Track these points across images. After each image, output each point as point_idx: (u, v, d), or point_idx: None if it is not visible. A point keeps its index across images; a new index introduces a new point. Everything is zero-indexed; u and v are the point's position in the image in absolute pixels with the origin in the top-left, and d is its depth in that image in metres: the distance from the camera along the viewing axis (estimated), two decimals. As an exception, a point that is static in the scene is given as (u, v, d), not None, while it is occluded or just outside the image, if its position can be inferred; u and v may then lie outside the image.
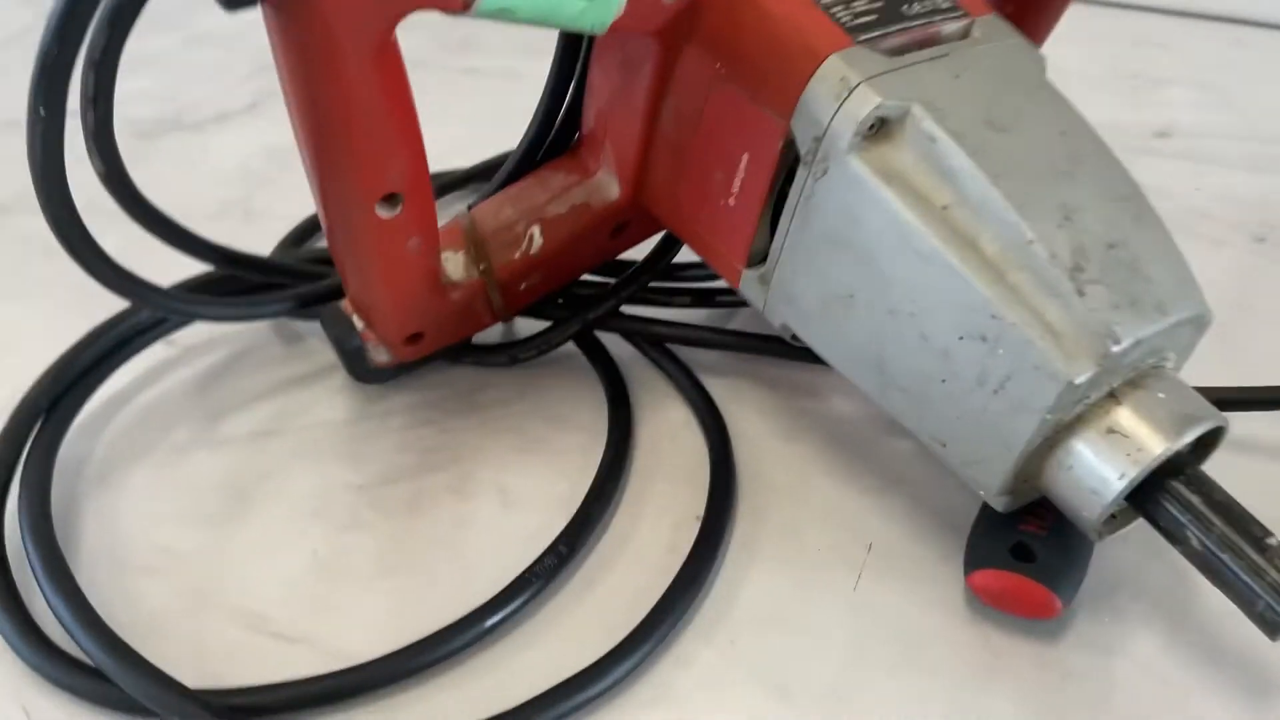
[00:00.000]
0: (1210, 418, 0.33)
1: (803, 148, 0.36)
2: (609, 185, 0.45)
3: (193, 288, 0.47)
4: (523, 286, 0.46)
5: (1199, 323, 0.34)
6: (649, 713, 0.35)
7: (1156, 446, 0.32)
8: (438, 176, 0.57)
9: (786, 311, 0.40)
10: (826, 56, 0.35)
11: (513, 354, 0.47)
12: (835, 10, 0.37)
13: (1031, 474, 0.35)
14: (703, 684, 0.36)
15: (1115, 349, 0.32)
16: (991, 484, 0.35)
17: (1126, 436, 0.33)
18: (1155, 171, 0.43)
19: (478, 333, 0.47)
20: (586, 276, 0.49)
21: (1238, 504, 0.33)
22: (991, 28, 0.38)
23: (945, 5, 0.38)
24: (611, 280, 0.49)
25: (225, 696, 0.34)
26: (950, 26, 0.38)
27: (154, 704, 0.33)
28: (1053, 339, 0.32)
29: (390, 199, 0.37)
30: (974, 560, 0.37)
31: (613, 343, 0.49)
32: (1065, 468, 0.34)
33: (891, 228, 0.34)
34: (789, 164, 0.37)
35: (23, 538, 0.38)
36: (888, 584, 0.39)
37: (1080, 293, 0.32)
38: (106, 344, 0.45)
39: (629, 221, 0.46)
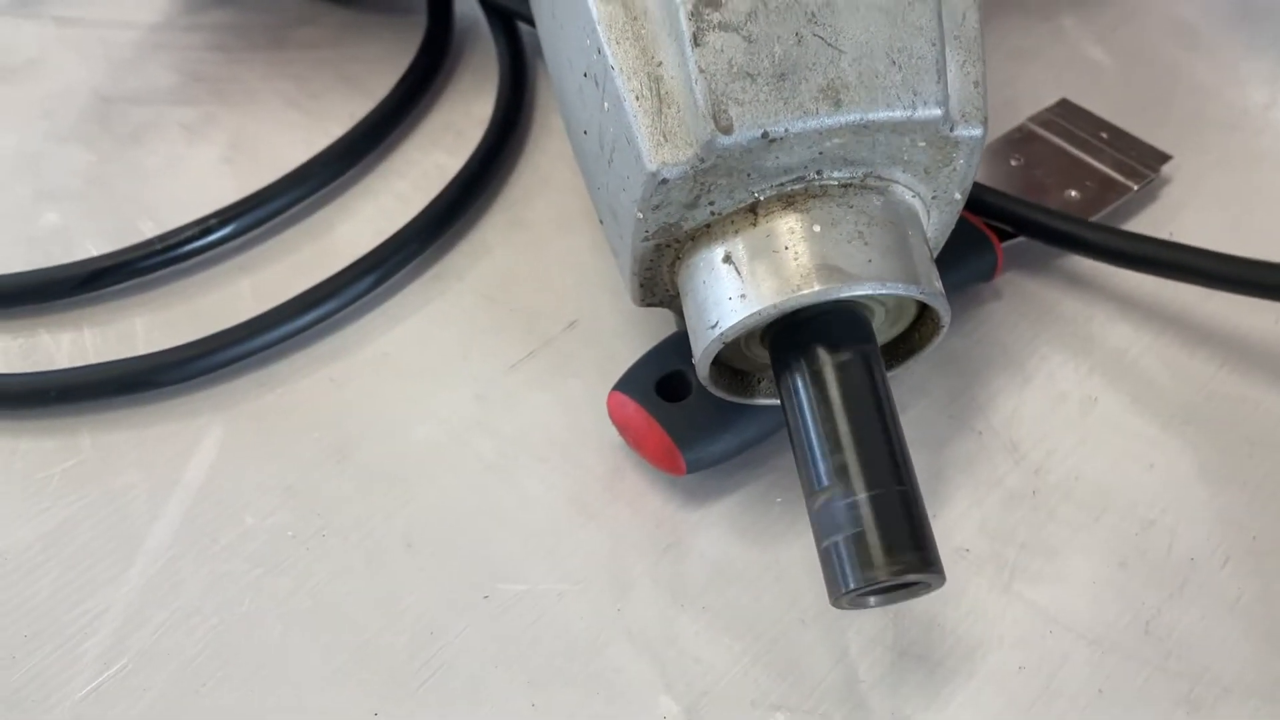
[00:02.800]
0: (857, 281, 0.21)
1: None
2: None
3: None
4: (334, -97, 0.37)
5: (932, 131, 0.22)
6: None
7: (756, 301, 0.22)
8: None
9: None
10: None
11: (335, -12, 0.40)
12: None
13: (666, 287, 0.25)
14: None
15: (724, 141, 0.21)
16: (624, 278, 0.26)
17: (737, 273, 0.22)
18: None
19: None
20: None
21: (846, 416, 0.22)
22: None
23: None
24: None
25: None
26: None
27: None
28: (654, 103, 0.21)
29: None
30: (623, 379, 0.28)
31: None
32: (684, 291, 0.24)
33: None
34: None
35: None
36: (569, 360, 0.31)
37: (696, 40, 0.21)
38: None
39: None
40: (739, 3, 0.21)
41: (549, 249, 0.34)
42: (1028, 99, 0.36)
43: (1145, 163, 0.34)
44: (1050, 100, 0.36)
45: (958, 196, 0.24)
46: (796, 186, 0.22)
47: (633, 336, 0.31)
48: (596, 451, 0.29)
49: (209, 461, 0.29)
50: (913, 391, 0.30)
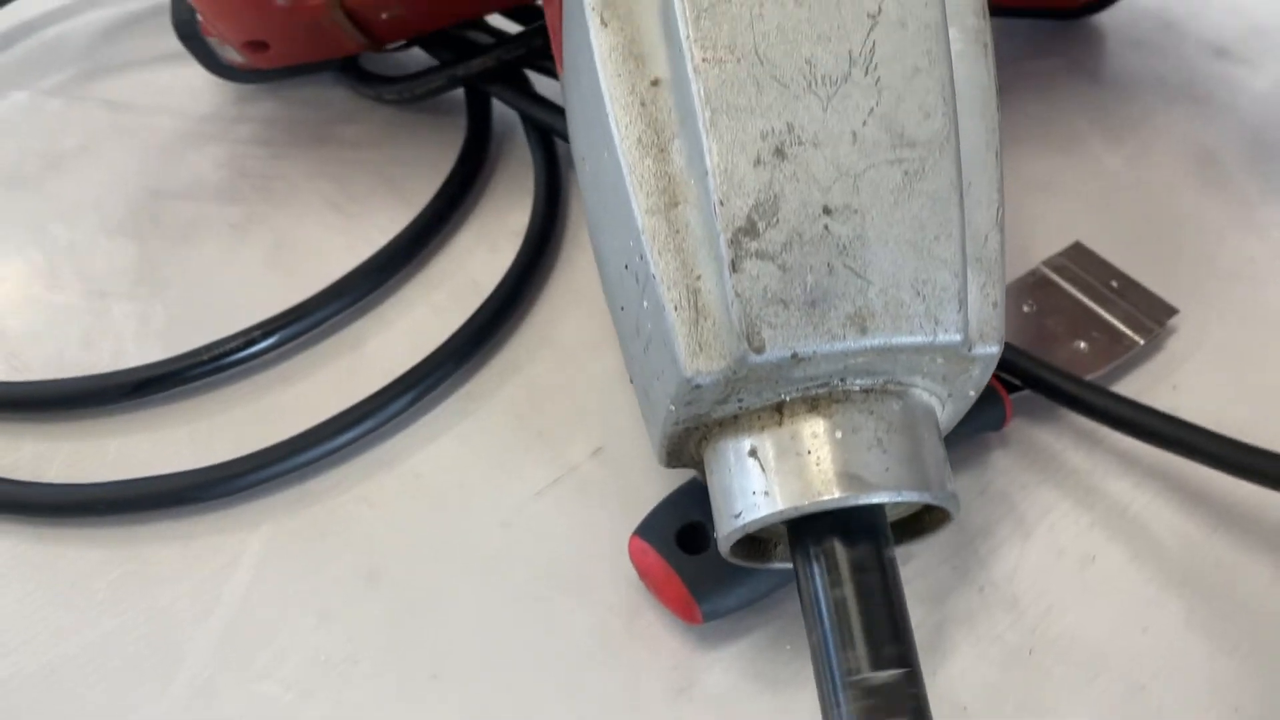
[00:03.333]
0: (875, 490, 0.23)
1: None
2: (493, -82, 0.36)
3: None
4: (384, 16, 0.38)
5: (951, 353, 0.23)
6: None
7: (780, 500, 0.23)
8: None
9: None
10: None
11: (379, 91, 0.41)
12: None
13: (692, 455, 0.27)
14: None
15: (755, 359, 0.22)
16: (651, 443, 0.27)
17: (763, 470, 0.24)
18: None
19: (353, 54, 0.41)
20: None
21: (863, 614, 0.23)
22: None
23: None
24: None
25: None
26: None
27: None
28: (691, 314, 0.23)
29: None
30: (644, 524, 0.30)
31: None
32: (709, 469, 0.25)
33: (592, 88, 0.25)
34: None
35: None
36: (593, 488, 0.32)
37: (735, 267, 0.22)
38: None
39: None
40: (775, 233, 0.22)
41: (577, 370, 0.35)
42: (1043, 238, 0.38)
43: (1153, 316, 0.35)
44: (1065, 240, 0.37)
45: (971, 394, 0.25)
46: (821, 391, 0.23)
47: (656, 469, 0.32)
48: (616, 588, 0.30)
49: (248, 579, 0.31)
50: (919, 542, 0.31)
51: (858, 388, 0.24)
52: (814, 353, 0.22)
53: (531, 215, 0.38)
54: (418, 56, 0.43)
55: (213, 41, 0.40)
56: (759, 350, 0.22)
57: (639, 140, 0.24)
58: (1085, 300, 0.35)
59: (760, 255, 0.22)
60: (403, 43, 0.42)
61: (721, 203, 0.22)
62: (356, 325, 0.36)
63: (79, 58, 0.44)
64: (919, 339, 0.22)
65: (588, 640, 0.29)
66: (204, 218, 0.39)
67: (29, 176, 0.41)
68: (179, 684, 0.29)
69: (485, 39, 0.41)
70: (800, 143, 0.22)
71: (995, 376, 0.32)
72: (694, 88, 0.23)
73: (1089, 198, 0.39)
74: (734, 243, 0.22)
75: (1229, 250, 0.38)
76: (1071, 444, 0.33)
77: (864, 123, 0.23)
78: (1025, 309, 0.35)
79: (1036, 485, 0.32)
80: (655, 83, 0.24)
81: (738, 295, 0.22)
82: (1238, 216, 0.38)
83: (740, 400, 0.24)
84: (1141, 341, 0.34)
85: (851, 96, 0.23)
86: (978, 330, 0.23)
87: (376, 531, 0.32)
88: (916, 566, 0.31)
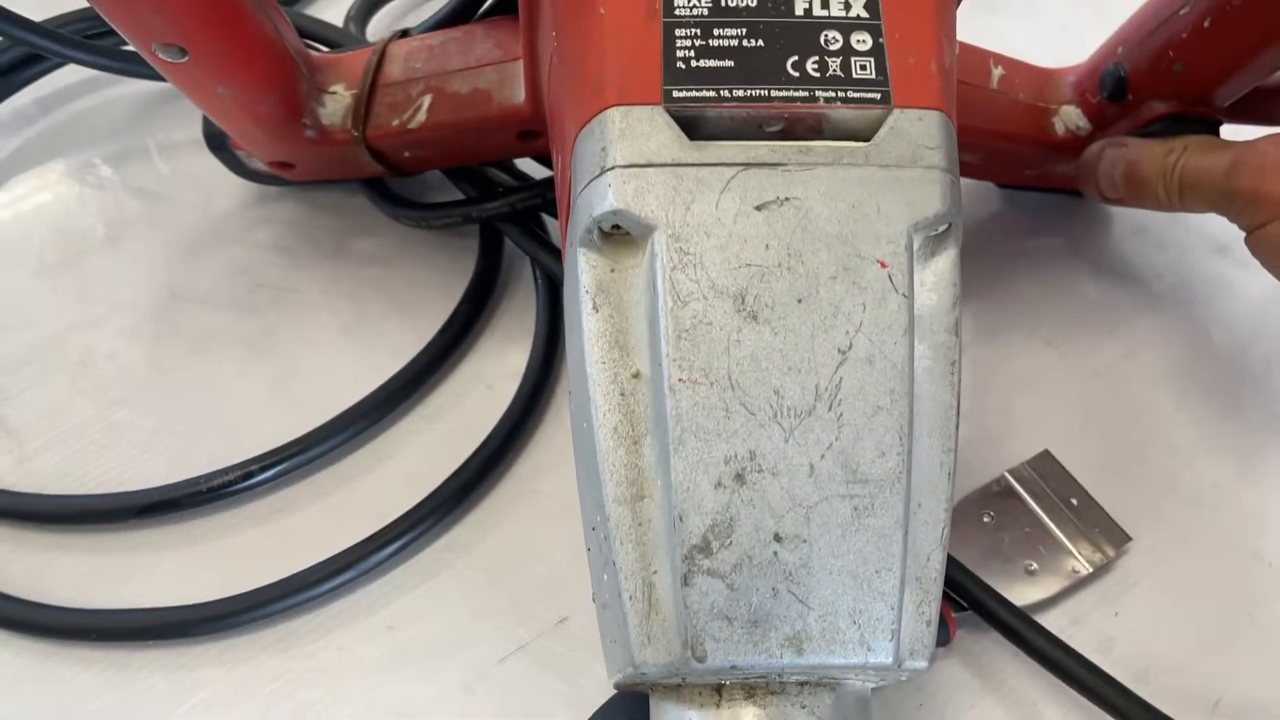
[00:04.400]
0: (795, 788, 0.25)
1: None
2: (517, 83, 0.37)
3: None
4: (405, 155, 0.40)
5: (882, 669, 0.25)
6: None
7: (708, 782, 0.25)
8: None
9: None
10: (608, 108, 0.26)
11: (397, 213, 0.42)
12: (682, 36, 0.26)
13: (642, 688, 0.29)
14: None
15: (696, 666, 0.24)
16: (610, 672, 0.29)
17: (697, 745, 0.26)
18: None
19: (375, 176, 0.42)
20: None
21: None
22: (909, 136, 0.26)
23: (866, 74, 0.26)
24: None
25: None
26: (847, 114, 0.26)
27: None
28: (645, 606, 0.25)
29: (168, 46, 0.32)
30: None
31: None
32: (654, 714, 0.27)
33: (578, 362, 0.26)
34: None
35: None
36: (555, 660, 0.34)
37: (687, 580, 0.24)
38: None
39: (540, 132, 0.38)
40: (728, 554, 0.24)
41: (553, 531, 0.37)
42: (1016, 439, 0.39)
43: (1107, 541, 0.37)
44: (1038, 441, 0.39)
45: (904, 679, 0.27)
46: (759, 681, 0.25)
47: (615, 646, 0.34)
48: (564, 768, 0.33)
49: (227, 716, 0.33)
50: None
51: (794, 680, 0.25)
52: (751, 666, 0.24)
53: (529, 363, 0.40)
54: (438, 177, 0.44)
55: (241, 154, 0.41)
56: (700, 659, 0.24)
57: (615, 429, 0.25)
58: (1044, 517, 0.37)
59: (711, 573, 0.24)
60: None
61: (680, 519, 0.24)
62: (351, 459, 0.38)
63: (113, 135, 0.46)
64: (852, 661, 0.24)
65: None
66: (220, 330, 0.41)
67: (54, 265, 0.42)
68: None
69: (505, 179, 0.42)
70: (760, 470, 0.24)
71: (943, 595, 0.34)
72: (668, 404, 0.24)
73: (1068, 399, 0.40)
74: (688, 558, 0.24)
75: (1195, 473, 0.39)
76: (1011, 661, 0.35)
77: (822, 456, 0.24)
78: (985, 519, 0.37)
79: (970, 700, 0.34)
80: (636, 375, 0.25)
81: (687, 606, 0.24)
82: (1209, 437, 0.40)
83: (683, 678, 0.26)
84: (1090, 570, 0.36)
85: (814, 430, 0.24)
86: (908, 649, 0.25)
87: (349, 687, 0.34)
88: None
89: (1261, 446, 0.39)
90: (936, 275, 0.26)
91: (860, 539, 0.24)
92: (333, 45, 0.46)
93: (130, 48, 0.34)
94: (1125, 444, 0.39)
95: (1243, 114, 0.39)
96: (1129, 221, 0.45)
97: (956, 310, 0.26)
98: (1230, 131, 0.38)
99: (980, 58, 0.40)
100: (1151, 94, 0.38)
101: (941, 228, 0.26)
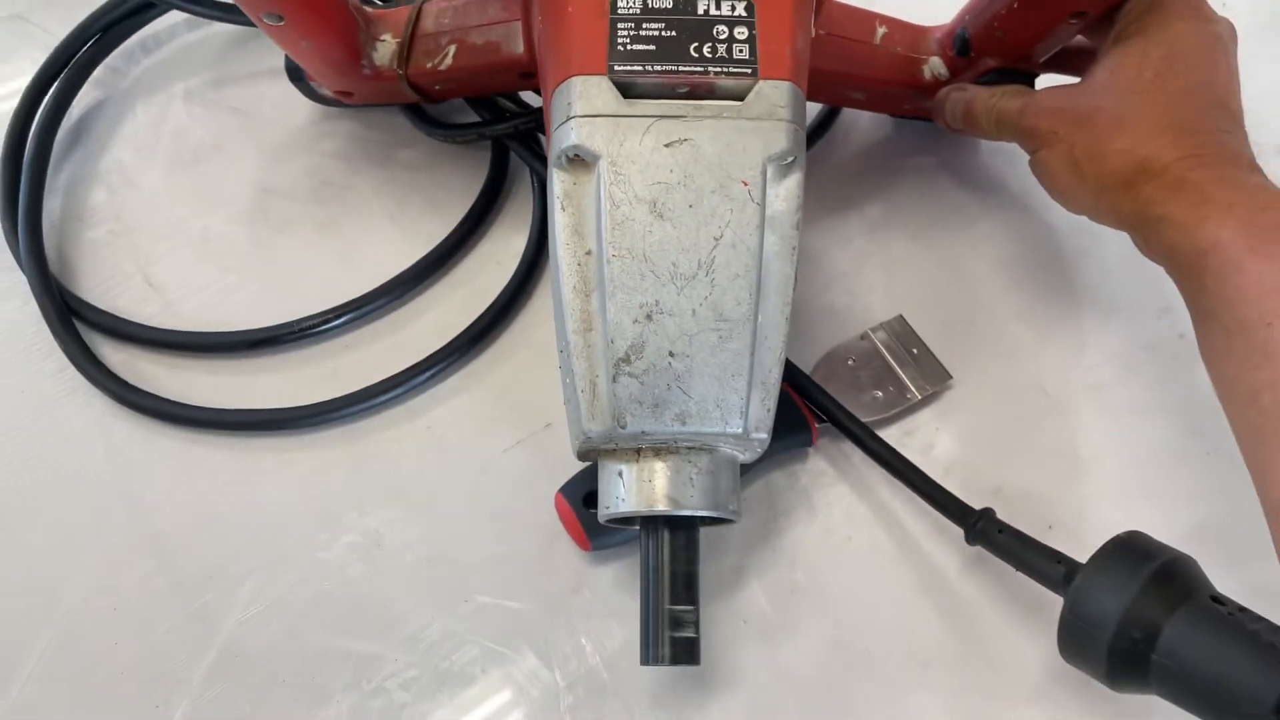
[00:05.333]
0: (682, 507, 0.40)
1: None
2: (518, 38, 0.51)
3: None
4: (436, 88, 0.54)
5: (737, 436, 0.40)
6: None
7: (629, 504, 0.40)
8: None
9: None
10: (571, 77, 0.40)
11: (430, 130, 0.56)
12: (621, 28, 0.40)
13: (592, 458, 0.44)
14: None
15: (621, 430, 0.39)
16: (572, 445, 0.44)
17: (623, 485, 0.41)
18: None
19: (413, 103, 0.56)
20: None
21: (680, 578, 0.41)
22: (768, 98, 0.40)
23: (741, 57, 0.40)
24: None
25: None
26: (728, 82, 0.40)
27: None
28: (590, 394, 0.40)
29: (272, 14, 0.46)
30: (564, 486, 0.47)
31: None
32: (599, 473, 0.43)
33: (553, 243, 0.41)
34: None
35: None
36: (542, 450, 0.50)
37: (614, 379, 0.39)
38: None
39: (534, 74, 0.52)
40: (640, 364, 0.39)
41: (540, 365, 0.52)
42: (879, 307, 0.53)
43: (935, 378, 0.51)
44: (897, 309, 0.53)
45: (759, 450, 0.42)
46: (663, 445, 0.40)
47: (583, 443, 0.50)
48: (544, 520, 0.48)
49: (322, 485, 0.49)
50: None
51: (684, 445, 0.41)
52: (655, 432, 0.39)
53: (526, 245, 0.54)
54: (460, 103, 0.58)
55: (313, 84, 0.55)
56: (623, 428, 0.39)
57: (574, 287, 0.40)
58: (890, 360, 0.52)
59: (630, 375, 0.39)
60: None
61: (611, 342, 0.39)
62: (399, 313, 0.53)
63: (212, 65, 0.60)
64: (716, 430, 0.39)
65: (527, 548, 0.48)
66: (298, 217, 0.55)
67: (184, 162, 0.57)
68: (263, 546, 0.47)
69: (510, 106, 0.56)
70: (661, 313, 0.39)
71: (807, 409, 0.49)
72: (605, 271, 0.39)
73: (923, 279, 0.55)
74: (616, 366, 0.39)
75: (1007, 334, 0.53)
76: (859, 460, 0.50)
77: (700, 304, 0.39)
78: (849, 362, 0.52)
79: (828, 485, 0.50)
80: (589, 253, 0.40)
81: (615, 396, 0.39)
82: (1023, 310, 0.54)
83: (615, 443, 0.41)
84: (920, 397, 0.51)
85: (696, 288, 0.39)
86: (754, 425, 0.40)
87: (402, 463, 0.49)
88: (739, 530, 0.48)
89: (1060, 316, 0.54)
90: (786, 191, 0.40)
91: (723, 356, 0.39)
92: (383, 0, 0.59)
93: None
94: (960, 313, 0.54)
95: (1056, 66, 0.52)
96: (991, 144, 0.59)
97: (798, 214, 0.40)
98: (1047, 80, 0.52)
99: (868, 19, 0.54)
100: (985, 52, 0.51)
101: (789, 160, 0.40)
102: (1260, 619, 0.36)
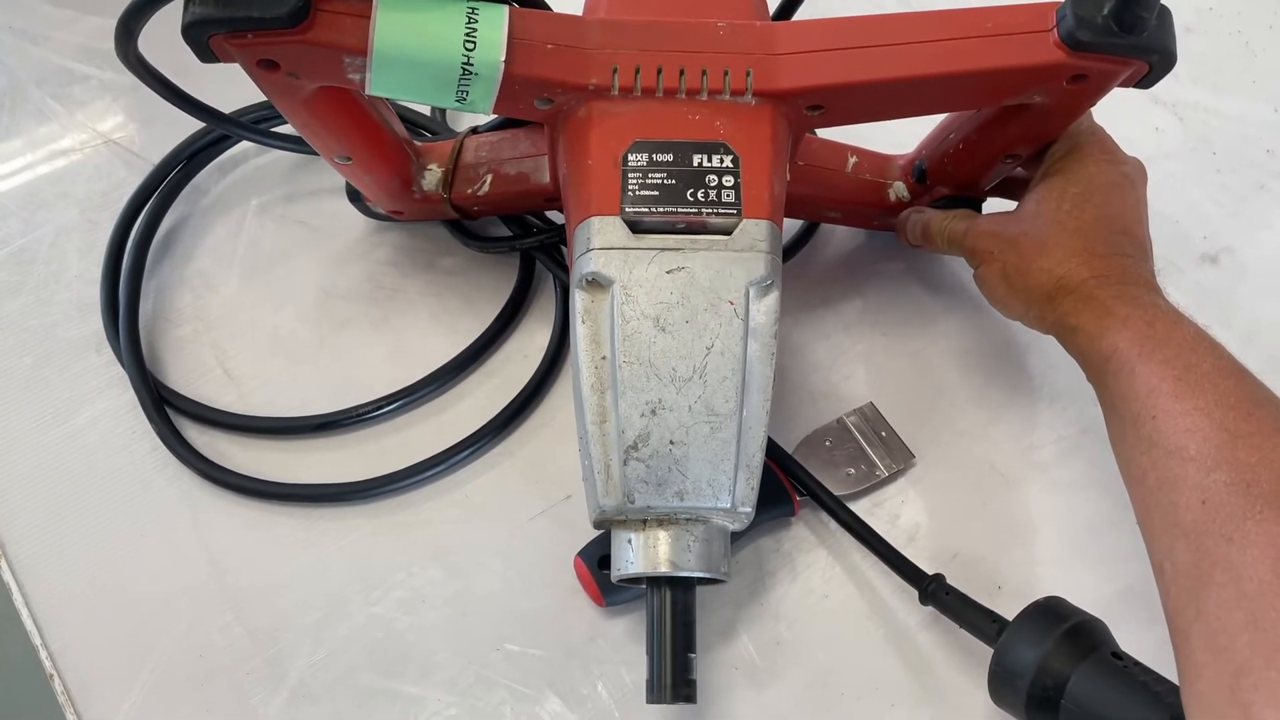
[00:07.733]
0: (681, 569, 0.48)
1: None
2: (544, 170, 0.60)
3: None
4: (474, 208, 0.63)
5: (726, 510, 0.48)
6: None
7: (637, 566, 0.49)
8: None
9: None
10: (590, 216, 0.49)
11: (467, 241, 0.66)
12: (631, 177, 0.49)
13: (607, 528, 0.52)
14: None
15: (630, 505, 0.48)
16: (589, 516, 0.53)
17: (633, 550, 0.49)
18: None
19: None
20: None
21: (680, 629, 0.49)
22: (751, 235, 0.49)
23: (729, 200, 0.49)
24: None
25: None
26: (718, 221, 0.49)
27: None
28: (605, 475, 0.48)
29: (342, 155, 0.56)
30: (583, 550, 0.56)
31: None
32: (612, 540, 0.51)
33: (574, 348, 0.50)
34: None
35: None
36: (562, 520, 0.58)
37: (625, 463, 0.48)
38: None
39: (558, 199, 0.61)
40: (646, 450, 0.47)
41: (562, 445, 0.61)
42: (852, 396, 0.62)
43: (900, 457, 0.60)
44: (867, 398, 0.62)
45: (745, 521, 0.50)
46: (665, 517, 0.49)
47: (598, 513, 0.58)
48: (563, 579, 0.56)
49: (367, 552, 0.57)
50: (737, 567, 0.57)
51: (683, 518, 0.49)
52: (657, 505, 0.48)
53: (549, 342, 0.63)
54: (495, 220, 0.67)
55: (369, 203, 0.65)
56: (632, 502, 0.48)
57: (592, 385, 0.49)
58: (862, 442, 0.60)
59: (638, 459, 0.47)
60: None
61: (623, 432, 0.48)
62: (441, 399, 0.62)
63: (281, 184, 0.69)
64: (709, 504, 0.48)
65: (550, 603, 0.56)
66: (355, 316, 0.65)
67: (257, 268, 0.66)
68: (325, 601, 0.56)
69: (537, 223, 0.65)
70: (664, 409, 0.48)
71: (790, 484, 0.58)
72: (618, 374, 0.48)
73: (890, 370, 0.63)
74: (625, 452, 0.48)
75: (963, 418, 0.62)
76: (836, 529, 0.58)
77: (695, 401, 0.48)
78: (826, 444, 0.60)
79: (808, 550, 0.58)
80: (604, 358, 0.49)
81: (625, 476, 0.48)
82: (976, 396, 0.62)
83: (626, 515, 0.49)
84: (887, 474, 0.59)
85: (692, 388, 0.48)
86: (740, 500, 0.48)
87: (442, 529, 0.58)
88: (730, 588, 0.56)
89: (1010, 403, 0.62)
90: (765, 307, 0.49)
91: (714, 444, 0.48)
92: (430, 131, 0.69)
93: (291, 131, 0.57)
94: (923, 400, 0.63)
95: (1001, 191, 0.62)
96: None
97: (776, 325, 0.49)
98: (993, 204, 0.61)
99: (840, 150, 0.63)
100: (938, 181, 0.61)
101: (768, 282, 0.49)
102: (1150, 671, 0.44)
